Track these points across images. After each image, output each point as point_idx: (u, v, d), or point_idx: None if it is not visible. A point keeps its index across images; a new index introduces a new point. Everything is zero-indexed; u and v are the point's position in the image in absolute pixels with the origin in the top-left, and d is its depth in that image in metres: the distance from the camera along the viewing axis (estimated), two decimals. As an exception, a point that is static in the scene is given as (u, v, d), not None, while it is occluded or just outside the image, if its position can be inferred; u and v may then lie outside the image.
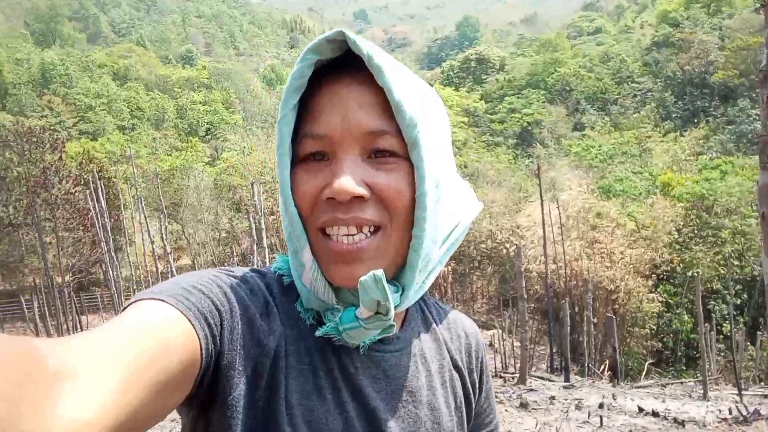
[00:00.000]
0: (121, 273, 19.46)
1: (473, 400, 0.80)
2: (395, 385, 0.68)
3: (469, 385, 0.79)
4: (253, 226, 13.35)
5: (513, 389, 8.75)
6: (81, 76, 67.86)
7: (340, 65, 0.63)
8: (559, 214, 20.70)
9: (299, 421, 0.59)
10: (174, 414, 0.58)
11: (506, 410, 7.19)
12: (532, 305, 22.11)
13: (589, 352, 15.59)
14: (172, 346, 0.49)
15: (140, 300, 0.54)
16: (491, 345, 20.80)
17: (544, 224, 15.42)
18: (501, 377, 10.40)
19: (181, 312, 0.53)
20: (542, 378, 11.54)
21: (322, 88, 0.63)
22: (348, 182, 0.58)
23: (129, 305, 0.53)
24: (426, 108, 0.65)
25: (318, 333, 0.63)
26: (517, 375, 10.22)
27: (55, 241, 22.66)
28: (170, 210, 29.05)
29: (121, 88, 69.11)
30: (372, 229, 0.62)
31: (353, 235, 0.61)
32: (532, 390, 8.76)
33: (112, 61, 77.43)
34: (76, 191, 22.64)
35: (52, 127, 33.87)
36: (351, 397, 0.64)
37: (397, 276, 0.66)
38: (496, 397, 8.21)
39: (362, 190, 0.59)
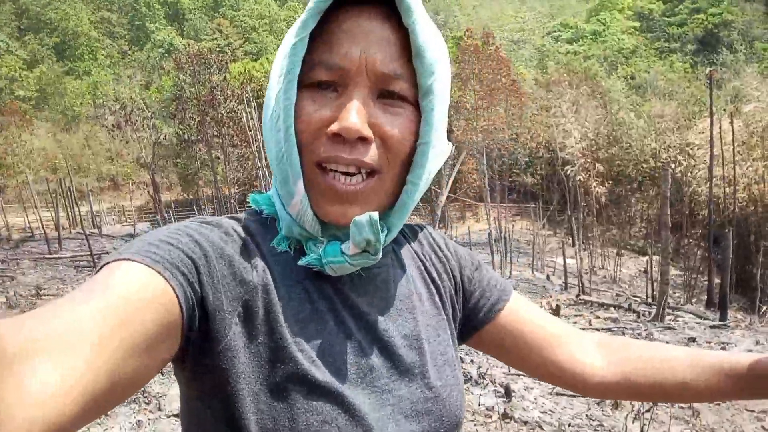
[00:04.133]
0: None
1: (458, 297, 0.81)
2: (387, 296, 0.70)
3: (450, 285, 0.80)
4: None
5: (646, 326, 8.05)
6: (246, -2, 71.89)
7: None
8: (736, 128, 17.90)
9: (306, 346, 0.60)
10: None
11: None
12: (699, 232, 20.13)
13: (763, 287, 13.69)
14: (144, 303, 0.49)
15: (106, 264, 0.53)
16: (645, 272, 19.38)
17: (711, 139, 13.46)
18: (635, 311, 9.61)
19: (149, 266, 0.52)
20: (694, 314, 10.52)
21: (339, 15, 0.60)
22: (357, 121, 0.58)
23: (98, 270, 0.53)
24: (442, 56, 0.64)
25: (300, 262, 0.64)
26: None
27: (222, 156, 25.10)
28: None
29: (282, 8, 72.02)
30: (368, 171, 0.62)
31: (352, 175, 0.61)
32: (669, 328, 7.97)
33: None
34: (239, 110, 24.57)
35: (219, 49, 36.59)
36: (349, 315, 0.65)
37: (384, 216, 0.67)
38: (623, 333, 7.58)
39: (369, 132, 0.60)
